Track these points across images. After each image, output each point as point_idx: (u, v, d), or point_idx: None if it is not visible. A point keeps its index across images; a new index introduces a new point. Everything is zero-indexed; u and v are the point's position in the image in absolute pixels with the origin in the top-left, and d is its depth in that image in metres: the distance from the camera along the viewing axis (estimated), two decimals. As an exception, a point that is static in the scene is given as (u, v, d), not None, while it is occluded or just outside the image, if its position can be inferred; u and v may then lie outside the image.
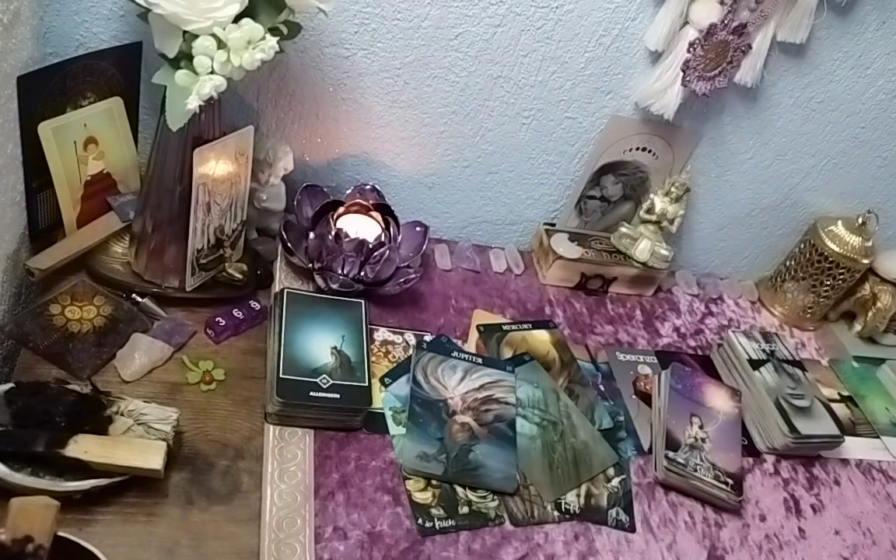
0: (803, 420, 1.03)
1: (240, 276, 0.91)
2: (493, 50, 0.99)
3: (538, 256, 1.20)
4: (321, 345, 0.86)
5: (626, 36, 1.01)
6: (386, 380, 0.91)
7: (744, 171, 1.20)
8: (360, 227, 0.98)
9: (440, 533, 0.79)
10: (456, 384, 0.90)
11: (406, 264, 1.00)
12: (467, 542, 0.79)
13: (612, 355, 1.08)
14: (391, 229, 1.00)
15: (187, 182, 0.79)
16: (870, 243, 1.21)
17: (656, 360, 1.10)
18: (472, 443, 0.85)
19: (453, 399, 0.89)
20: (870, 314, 1.25)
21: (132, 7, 0.71)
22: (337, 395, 0.82)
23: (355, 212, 1.01)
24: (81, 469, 0.67)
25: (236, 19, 0.69)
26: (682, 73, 1.01)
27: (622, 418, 0.99)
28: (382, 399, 0.89)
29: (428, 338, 0.99)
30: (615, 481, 0.91)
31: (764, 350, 1.11)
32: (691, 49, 0.99)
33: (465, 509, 0.82)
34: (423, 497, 0.81)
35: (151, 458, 0.69)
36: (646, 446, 0.97)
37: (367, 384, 0.85)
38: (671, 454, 0.92)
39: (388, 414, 0.88)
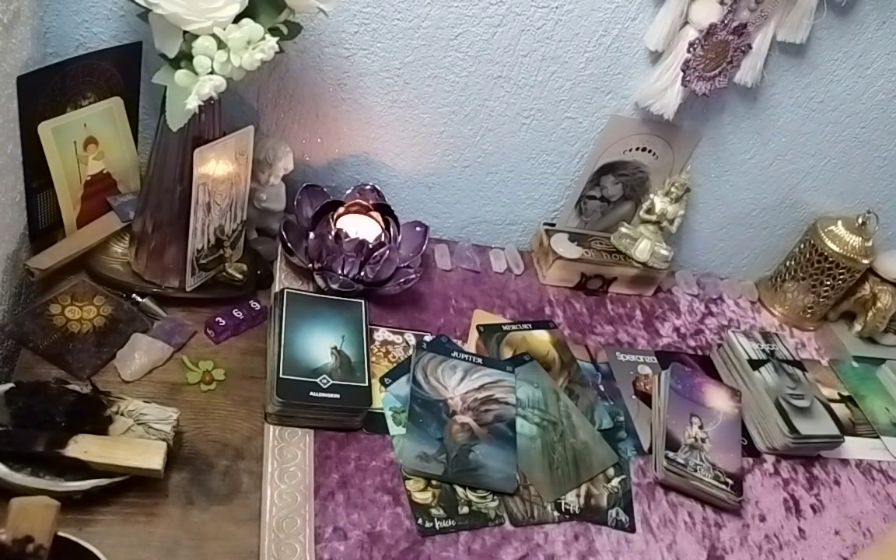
0: (803, 420, 1.03)
1: (240, 276, 0.91)
2: (493, 50, 0.99)
3: (538, 256, 1.20)
4: (321, 345, 0.86)
5: (626, 36, 1.01)
6: (386, 380, 0.91)
7: (744, 171, 1.20)
8: (360, 227, 0.98)
9: (440, 533, 0.79)
10: (456, 384, 0.90)
11: (406, 264, 1.00)
12: (467, 543, 0.79)
13: (612, 355, 1.08)
14: (391, 229, 1.00)
15: (187, 182, 0.79)
16: (870, 243, 1.21)
17: (656, 361, 1.10)
18: (472, 443, 0.85)
19: (453, 399, 0.89)
20: (870, 314, 1.25)
21: (132, 7, 0.71)
22: (337, 395, 0.82)
23: (355, 212, 1.01)
24: (81, 469, 0.67)
25: (236, 19, 0.69)
26: (682, 73, 1.01)
27: (622, 418, 0.99)
28: (382, 399, 0.89)
29: (428, 338, 0.99)
30: (615, 481, 0.91)
31: (764, 350, 1.11)
32: (691, 49, 0.99)
33: (465, 509, 0.82)
34: (423, 497, 0.81)
35: (151, 458, 0.69)
36: (646, 446, 0.97)
37: (367, 384, 0.85)
38: (671, 454, 0.92)
39: (388, 414, 0.88)
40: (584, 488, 0.89)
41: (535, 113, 1.07)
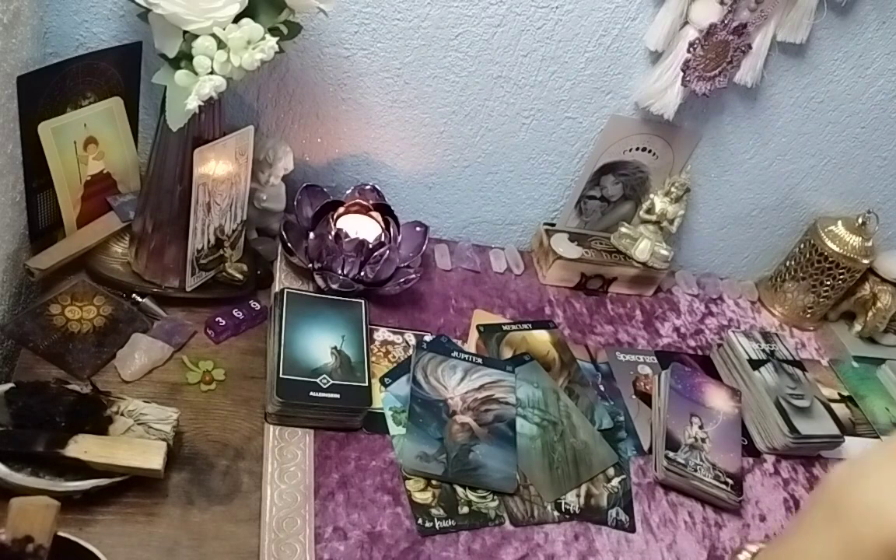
0: (803, 420, 1.03)
1: (240, 276, 0.91)
2: (493, 50, 0.99)
3: (538, 256, 1.20)
4: (321, 345, 0.86)
5: (626, 36, 1.01)
6: (386, 380, 0.91)
7: (744, 171, 1.20)
8: (360, 227, 0.98)
9: (440, 533, 0.79)
10: (456, 384, 0.90)
11: (406, 264, 1.00)
12: (467, 542, 0.79)
13: (612, 355, 1.08)
14: (391, 229, 1.00)
15: (187, 182, 0.79)
16: (870, 243, 1.21)
17: (656, 360, 1.10)
18: (472, 443, 0.85)
19: (453, 399, 0.89)
20: (870, 314, 1.25)
21: (132, 7, 0.71)
22: (337, 395, 0.82)
23: (355, 212, 1.01)
24: (81, 469, 0.67)
25: (236, 19, 0.69)
26: (682, 73, 1.01)
27: (622, 418, 0.99)
28: (382, 399, 0.89)
29: (428, 338, 0.99)
30: (615, 481, 0.91)
31: (764, 350, 1.11)
32: (691, 49, 0.99)
33: (465, 509, 0.82)
34: (423, 497, 0.81)
35: (151, 458, 0.69)
36: (646, 446, 0.97)
37: (367, 384, 0.85)
38: (671, 454, 0.92)
39: (388, 414, 0.88)
40: (584, 488, 0.89)
41: (535, 113, 1.07)
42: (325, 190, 1.03)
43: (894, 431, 1.15)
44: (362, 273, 0.95)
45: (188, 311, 0.89)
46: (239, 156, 0.85)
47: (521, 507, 0.84)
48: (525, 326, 1.05)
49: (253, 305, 0.92)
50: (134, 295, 0.88)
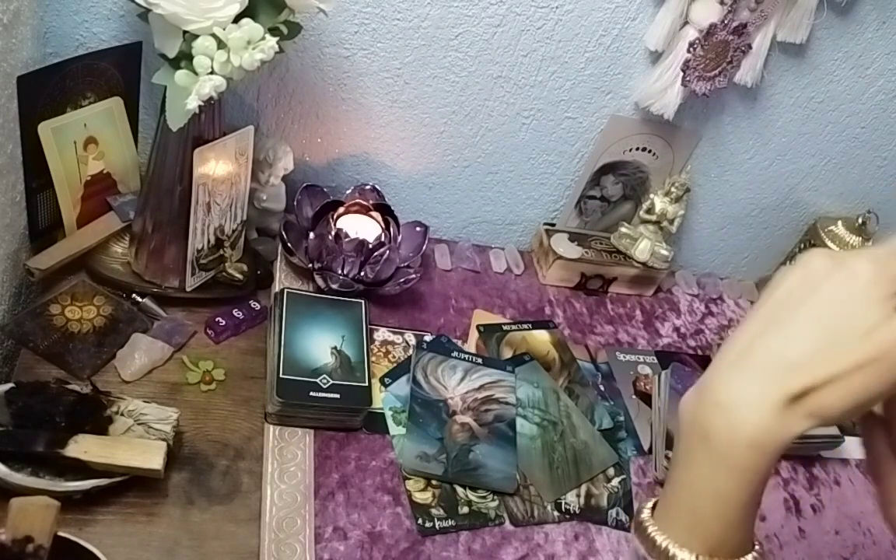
0: (803, 420, 1.03)
1: (240, 276, 0.91)
2: (493, 50, 0.99)
3: (538, 256, 1.20)
4: (321, 345, 0.86)
5: (626, 36, 1.01)
6: (386, 380, 0.91)
7: (744, 171, 1.20)
8: (360, 227, 0.98)
9: (440, 533, 0.79)
10: (456, 384, 0.90)
11: (406, 264, 1.00)
12: (467, 542, 0.79)
13: (612, 355, 1.08)
14: (391, 229, 1.00)
15: (187, 182, 0.80)
16: (870, 243, 1.21)
17: (656, 360, 1.10)
18: (472, 443, 0.85)
19: (453, 399, 0.89)
20: (870, 314, 1.25)
21: (132, 7, 0.71)
22: (337, 395, 0.82)
23: (355, 212, 1.01)
24: (81, 469, 0.67)
25: (236, 19, 0.69)
26: (682, 73, 1.01)
27: (622, 418, 0.99)
28: (382, 399, 0.89)
29: (428, 338, 0.99)
30: (615, 481, 0.91)
31: (764, 350, 1.11)
32: (691, 49, 0.99)
33: (465, 509, 0.82)
34: (423, 497, 0.81)
35: (151, 458, 0.69)
36: (646, 446, 0.97)
37: (367, 384, 0.85)
38: (671, 454, 0.92)
39: (388, 414, 0.88)
40: (584, 488, 0.89)
41: (535, 113, 1.07)
42: (325, 190, 1.03)
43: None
44: (362, 273, 0.95)
45: (188, 311, 0.89)
46: (239, 156, 0.85)
47: (521, 507, 0.84)
48: (525, 326, 1.05)
49: (253, 305, 0.92)
50: (134, 295, 0.88)
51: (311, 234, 0.95)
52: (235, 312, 0.90)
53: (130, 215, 0.90)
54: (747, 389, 0.41)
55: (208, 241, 0.87)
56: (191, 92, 0.69)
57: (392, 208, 1.02)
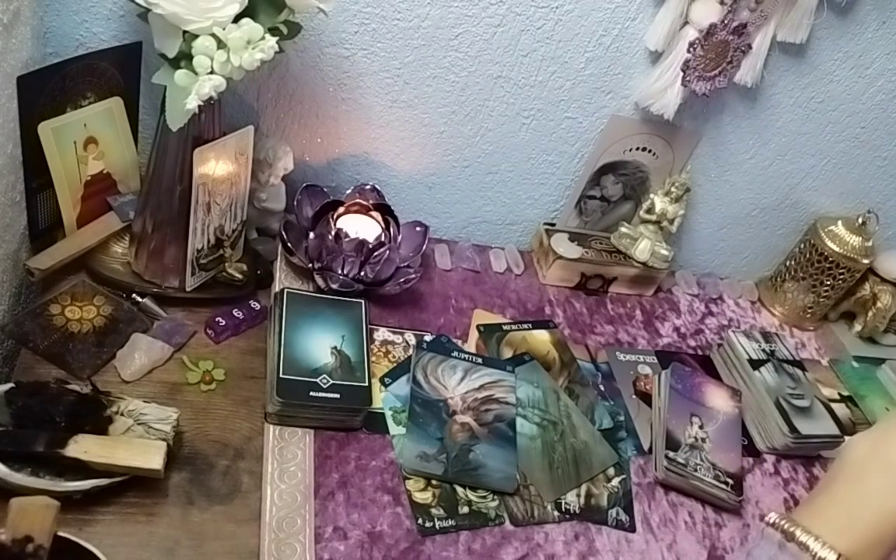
0: (803, 420, 1.03)
1: (240, 276, 0.91)
2: (493, 50, 0.99)
3: (538, 256, 1.20)
4: (321, 345, 0.86)
5: (626, 36, 1.01)
6: (386, 380, 0.91)
7: (744, 171, 1.20)
8: (360, 227, 0.98)
9: (440, 533, 0.79)
10: (456, 384, 0.90)
11: (406, 264, 1.00)
12: (467, 542, 0.79)
13: (612, 355, 1.08)
14: (391, 229, 1.00)
15: (187, 182, 0.80)
16: (870, 243, 1.21)
17: (656, 360, 1.10)
18: (472, 443, 0.85)
19: (453, 399, 0.89)
20: (870, 314, 1.25)
21: (132, 7, 0.71)
22: (337, 395, 0.82)
23: (355, 212, 1.01)
24: (81, 469, 0.67)
25: (236, 19, 0.69)
26: (682, 73, 1.01)
27: (622, 418, 0.99)
28: (382, 399, 0.89)
29: (428, 338, 0.99)
30: (615, 481, 0.91)
31: (764, 350, 1.11)
32: (691, 49, 0.99)
33: (465, 509, 0.82)
34: (423, 497, 0.81)
35: (151, 458, 0.69)
36: (646, 446, 0.97)
37: (367, 384, 0.85)
38: (671, 454, 0.92)
39: (388, 414, 0.88)
40: (584, 488, 0.89)
41: (535, 113, 1.07)
42: (325, 190, 1.03)
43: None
44: (362, 273, 0.95)
45: (188, 311, 0.89)
46: (239, 156, 0.85)
47: (521, 507, 0.84)
48: (525, 326, 1.05)
49: (253, 305, 0.92)
50: (134, 295, 0.88)
51: (311, 234, 0.95)
52: (235, 312, 0.90)
53: (130, 215, 0.90)
54: None
55: (208, 241, 0.87)
56: (190, 92, 0.69)
57: (392, 208, 1.02)
